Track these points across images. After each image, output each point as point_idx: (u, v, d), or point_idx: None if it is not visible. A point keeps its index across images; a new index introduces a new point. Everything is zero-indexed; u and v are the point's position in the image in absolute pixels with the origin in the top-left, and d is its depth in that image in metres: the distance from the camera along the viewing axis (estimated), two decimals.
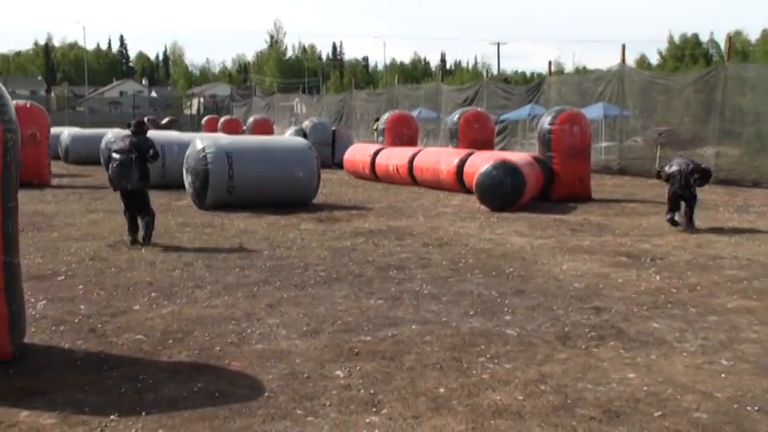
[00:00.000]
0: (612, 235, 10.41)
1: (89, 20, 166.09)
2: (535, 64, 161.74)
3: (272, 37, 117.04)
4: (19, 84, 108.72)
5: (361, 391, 4.45)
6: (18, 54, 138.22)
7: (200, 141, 13.26)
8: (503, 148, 23.64)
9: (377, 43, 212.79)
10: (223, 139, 14.16)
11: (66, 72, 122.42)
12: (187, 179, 13.36)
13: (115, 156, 9.93)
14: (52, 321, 5.87)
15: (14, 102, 18.33)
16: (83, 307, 6.34)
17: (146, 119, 45.29)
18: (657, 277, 7.66)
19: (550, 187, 14.34)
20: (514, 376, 4.72)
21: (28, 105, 17.82)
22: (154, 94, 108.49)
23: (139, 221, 9.67)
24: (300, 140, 14.60)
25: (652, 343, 5.44)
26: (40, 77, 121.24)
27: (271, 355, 5.08)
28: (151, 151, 9.88)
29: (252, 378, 4.67)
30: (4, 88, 4.94)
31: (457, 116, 18.04)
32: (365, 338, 5.50)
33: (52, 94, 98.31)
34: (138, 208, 9.75)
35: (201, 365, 4.89)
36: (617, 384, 4.59)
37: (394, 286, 7.22)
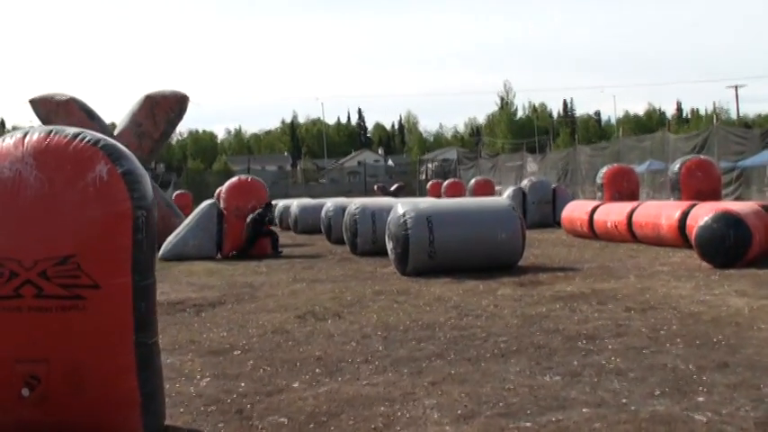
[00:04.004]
0: None
1: (330, 96, 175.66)
2: None
3: (502, 99, 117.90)
4: (267, 160, 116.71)
5: None
6: (268, 133, 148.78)
7: (401, 206, 13.10)
8: (737, 199, 21.77)
9: (608, 97, 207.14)
10: (423, 203, 13.92)
11: (310, 146, 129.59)
12: (389, 245, 13.21)
13: (252, 215, 17.77)
14: (205, 400, 5.70)
15: (237, 177, 19.35)
16: (243, 384, 6.14)
17: (375, 186, 46.87)
18: None
19: None
20: None
21: (249, 179, 18.64)
22: (390, 162, 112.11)
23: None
24: (503, 201, 14.08)
25: None
26: (285, 153, 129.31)
27: None
28: (266, 218, 18.18)
29: None
30: (138, 163, 4.87)
31: (678, 165, 16.77)
32: (524, 424, 4.84)
33: (297, 168, 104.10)
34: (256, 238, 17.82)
35: None
36: None
37: (578, 359, 6.47)
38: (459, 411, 5.17)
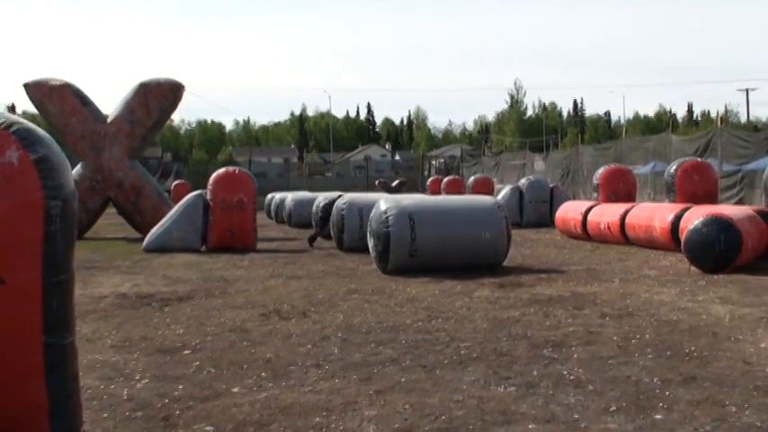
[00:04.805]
0: None
1: (339, 90, 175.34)
2: None
3: (512, 97, 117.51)
4: (274, 152, 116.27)
5: None
6: (277, 125, 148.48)
7: (384, 203, 12.74)
8: (739, 203, 21.34)
9: (619, 97, 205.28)
10: (406, 200, 13.54)
11: (318, 140, 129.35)
12: (370, 242, 12.86)
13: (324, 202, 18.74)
14: (134, 405, 5.35)
15: (225, 168, 18.89)
16: (180, 388, 5.79)
17: (377, 182, 46.19)
18: None
19: None
20: None
21: (236, 172, 18.20)
22: (397, 157, 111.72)
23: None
24: (488, 199, 13.71)
25: None
26: (293, 146, 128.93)
27: None
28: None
29: None
30: (57, 149, 4.49)
31: (674, 168, 16.34)
32: None
33: (304, 161, 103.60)
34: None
35: None
36: None
37: (538, 369, 6.11)
38: (396, 425, 4.81)
